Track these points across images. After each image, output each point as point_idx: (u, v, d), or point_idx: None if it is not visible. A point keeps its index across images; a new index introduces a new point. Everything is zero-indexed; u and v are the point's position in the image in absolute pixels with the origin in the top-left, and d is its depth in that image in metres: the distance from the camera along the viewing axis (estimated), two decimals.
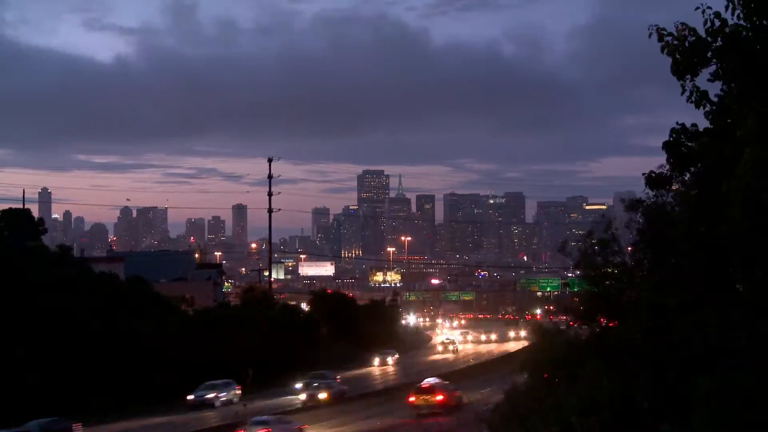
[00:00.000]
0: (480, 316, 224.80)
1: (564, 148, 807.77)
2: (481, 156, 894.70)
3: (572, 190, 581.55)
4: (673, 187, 17.77)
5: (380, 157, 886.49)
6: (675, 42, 12.88)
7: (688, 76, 12.93)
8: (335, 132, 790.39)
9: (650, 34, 13.01)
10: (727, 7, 12.40)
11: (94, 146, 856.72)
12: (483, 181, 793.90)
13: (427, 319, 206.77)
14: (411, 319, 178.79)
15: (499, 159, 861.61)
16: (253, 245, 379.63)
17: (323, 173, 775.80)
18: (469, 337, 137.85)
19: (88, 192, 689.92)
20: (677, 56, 12.80)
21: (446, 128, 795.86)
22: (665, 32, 12.97)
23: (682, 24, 12.94)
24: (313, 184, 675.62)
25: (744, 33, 12.44)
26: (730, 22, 12.44)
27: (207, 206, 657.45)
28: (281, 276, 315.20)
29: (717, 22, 12.49)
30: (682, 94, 13.11)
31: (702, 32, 12.72)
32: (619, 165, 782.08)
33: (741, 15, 12.33)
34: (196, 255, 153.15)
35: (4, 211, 77.08)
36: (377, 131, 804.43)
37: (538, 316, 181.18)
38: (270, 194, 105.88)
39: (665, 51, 12.94)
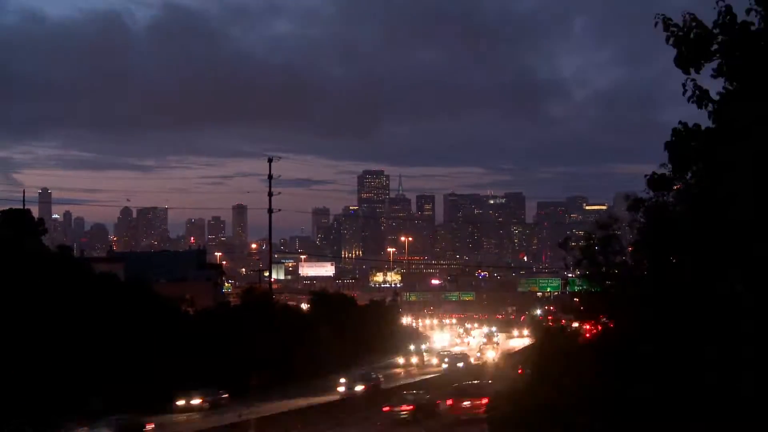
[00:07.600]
0: (476, 316, 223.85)
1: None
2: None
3: (573, 190, 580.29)
4: (674, 187, 17.72)
5: (386, 156, 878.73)
6: (680, 33, 12.83)
7: (692, 70, 12.84)
8: (351, 131, 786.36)
9: (656, 23, 12.95)
10: None
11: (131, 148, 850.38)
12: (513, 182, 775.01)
13: (433, 321, 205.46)
14: (414, 321, 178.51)
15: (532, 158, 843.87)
16: (254, 245, 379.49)
17: (353, 172, 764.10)
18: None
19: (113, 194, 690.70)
20: (682, 48, 12.74)
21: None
22: (671, 22, 12.90)
23: (690, 14, 12.87)
24: (341, 185, 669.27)
25: (753, 27, 12.39)
26: (740, 19, 12.37)
27: (209, 207, 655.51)
28: (281, 276, 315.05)
29: (728, 17, 12.41)
30: (684, 93, 13.05)
31: (709, 24, 12.65)
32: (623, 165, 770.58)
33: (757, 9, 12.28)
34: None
35: (4, 211, 76.94)
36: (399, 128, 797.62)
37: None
38: (270, 194, 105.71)
39: (670, 41, 12.89)
